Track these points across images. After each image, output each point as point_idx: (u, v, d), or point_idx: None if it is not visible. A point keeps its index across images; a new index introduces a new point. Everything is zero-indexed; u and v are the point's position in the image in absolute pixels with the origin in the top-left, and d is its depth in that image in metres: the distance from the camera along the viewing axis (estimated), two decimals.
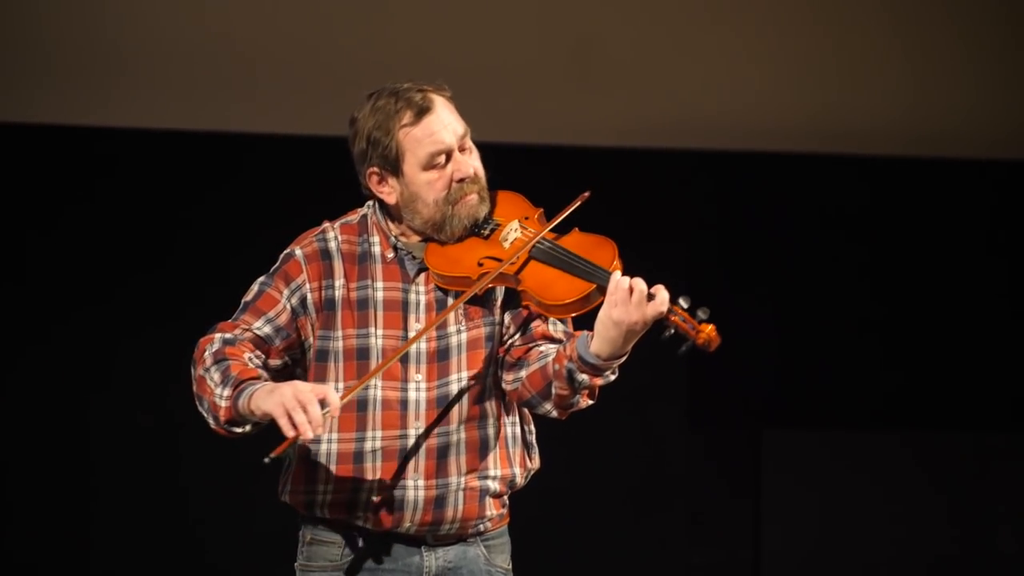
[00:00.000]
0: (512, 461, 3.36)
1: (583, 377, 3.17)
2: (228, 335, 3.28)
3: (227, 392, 3.19)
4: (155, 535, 5.77)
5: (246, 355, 3.26)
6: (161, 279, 5.75)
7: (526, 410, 3.40)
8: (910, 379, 6.32)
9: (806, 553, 6.31)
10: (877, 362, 6.31)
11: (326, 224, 3.38)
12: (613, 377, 3.21)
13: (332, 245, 3.34)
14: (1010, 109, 6.14)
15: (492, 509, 3.35)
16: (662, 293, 3.11)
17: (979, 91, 6.12)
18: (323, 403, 3.10)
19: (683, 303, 3.12)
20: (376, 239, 3.35)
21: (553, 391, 3.23)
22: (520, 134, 5.88)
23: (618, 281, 3.12)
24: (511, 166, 5.96)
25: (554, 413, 3.30)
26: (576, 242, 3.27)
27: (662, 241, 6.13)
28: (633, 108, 5.97)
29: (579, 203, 3.34)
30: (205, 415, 3.24)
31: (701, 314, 3.12)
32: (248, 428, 3.22)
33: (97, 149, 5.77)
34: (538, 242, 3.26)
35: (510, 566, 3.42)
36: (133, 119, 5.72)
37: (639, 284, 3.11)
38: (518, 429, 3.38)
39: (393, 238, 3.34)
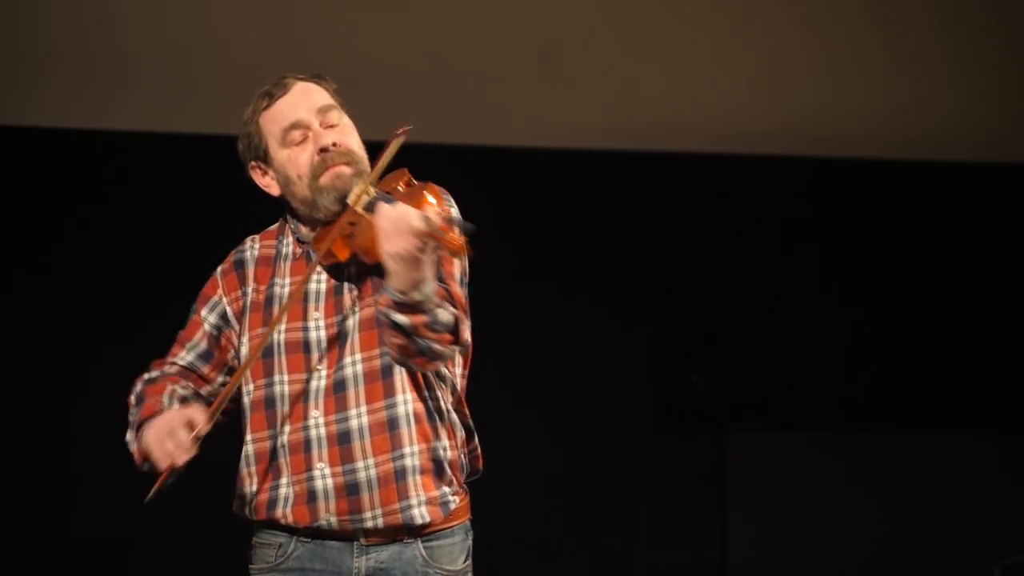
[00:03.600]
0: (437, 434, 3.28)
1: (400, 317, 3.10)
2: (154, 374, 3.37)
3: (134, 434, 3.28)
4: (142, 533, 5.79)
5: (168, 388, 3.31)
6: (164, 283, 5.75)
7: (450, 382, 3.34)
8: (880, 380, 6.35)
9: (773, 555, 6.32)
10: (846, 363, 6.33)
11: (249, 237, 3.43)
12: (443, 314, 3.14)
13: (248, 255, 3.39)
14: (997, 112, 6.15)
15: (420, 492, 3.26)
16: (412, 215, 3.05)
17: (967, 94, 6.14)
18: (191, 425, 3.13)
19: (439, 221, 3.07)
20: (289, 239, 3.36)
21: (392, 342, 3.17)
22: (488, 136, 5.89)
23: (385, 215, 3.08)
24: (478, 167, 5.98)
25: (419, 368, 3.22)
26: (404, 192, 3.24)
27: (632, 243, 6.14)
28: (603, 110, 5.98)
29: (397, 142, 3.26)
30: None
31: (463, 227, 3.10)
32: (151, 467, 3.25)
33: (98, 153, 5.77)
34: (370, 198, 3.20)
35: (463, 566, 3.35)
36: (136, 122, 5.73)
37: (399, 210, 3.07)
38: (440, 403, 3.30)
39: (298, 234, 3.35)
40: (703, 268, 6.25)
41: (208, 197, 5.75)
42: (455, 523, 3.33)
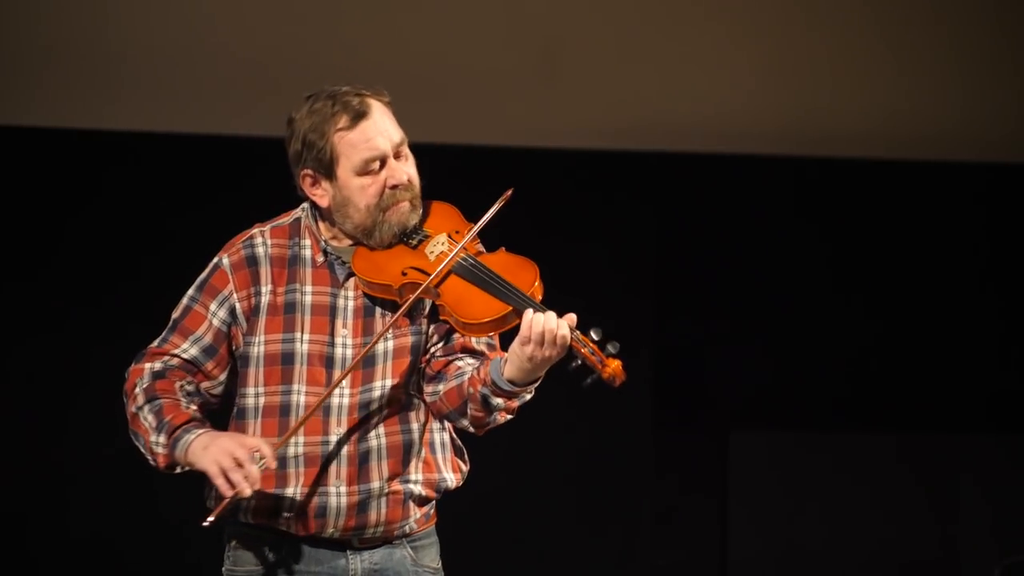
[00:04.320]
0: (441, 466, 3.38)
1: (498, 401, 3.19)
2: (157, 366, 3.31)
3: (163, 440, 3.23)
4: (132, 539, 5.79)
5: (177, 385, 3.29)
6: (164, 282, 5.73)
7: None
8: (880, 380, 6.34)
9: (773, 555, 6.32)
10: (846, 363, 6.33)
11: (255, 229, 3.39)
12: (529, 396, 3.23)
13: (260, 251, 3.35)
14: (998, 112, 6.15)
15: (417, 512, 3.36)
16: (563, 328, 3.11)
17: (968, 94, 6.14)
18: (259, 454, 3.15)
19: (594, 335, 3.13)
20: (307, 242, 3.35)
21: (469, 411, 3.24)
22: (488, 136, 5.89)
23: (531, 320, 3.12)
24: (478, 167, 5.98)
25: (471, 429, 3.31)
26: (499, 262, 3.27)
27: (632, 243, 6.14)
28: (603, 110, 5.98)
29: (501, 204, 3.30)
30: (142, 451, 3.29)
31: (611, 348, 3.12)
32: (186, 468, 3.25)
33: (99, 153, 5.76)
34: (461, 258, 3.25)
35: (439, 564, 3.43)
36: (136, 122, 5.72)
37: (550, 324, 3.11)
38: (446, 435, 3.40)
39: (323, 242, 3.34)
40: (703, 268, 6.24)
41: (208, 197, 5.75)
42: (431, 525, 3.42)
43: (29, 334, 5.74)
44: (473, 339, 3.30)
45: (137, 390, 3.29)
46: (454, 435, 3.42)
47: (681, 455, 6.29)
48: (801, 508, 6.33)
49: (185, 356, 3.31)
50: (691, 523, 6.31)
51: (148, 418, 3.26)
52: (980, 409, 6.38)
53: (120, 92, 5.70)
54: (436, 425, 3.36)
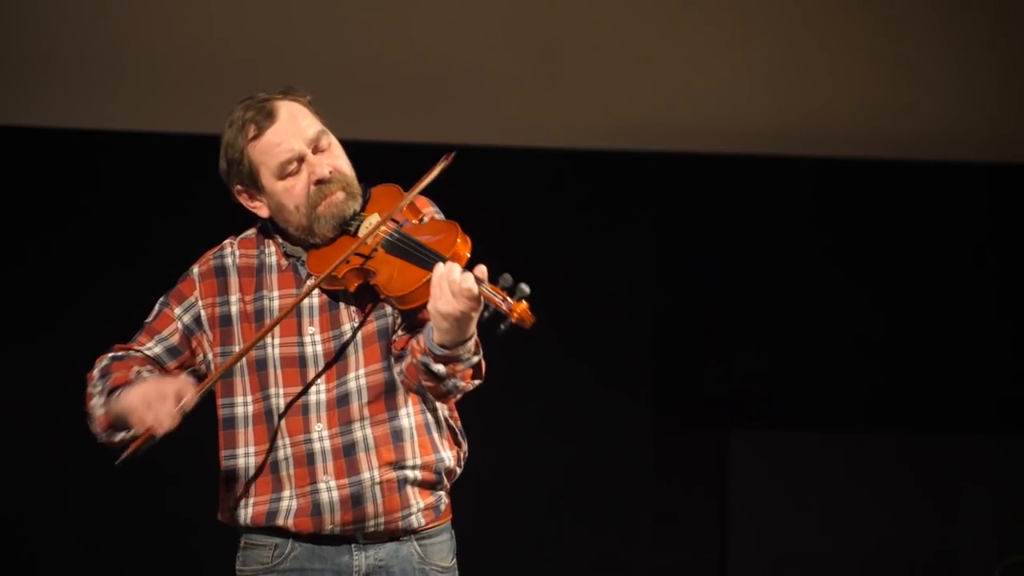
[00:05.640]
0: (438, 446, 3.36)
1: (439, 367, 3.16)
2: (119, 354, 3.36)
3: (102, 400, 3.26)
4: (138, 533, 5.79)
5: (135, 368, 3.31)
6: (163, 282, 5.74)
7: None
8: (880, 380, 6.35)
9: (773, 554, 6.33)
10: (846, 362, 6.33)
11: (227, 241, 3.43)
12: (477, 358, 3.20)
13: (228, 261, 3.39)
14: (997, 112, 6.16)
15: (419, 499, 3.34)
16: (468, 279, 3.07)
17: (968, 94, 6.14)
18: (179, 397, 3.14)
19: (501, 283, 3.08)
20: (272, 249, 3.38)
21: (423, 384, 3.23)
22: (488, 136, 5.89)
23: (438, 274, 3.09)
24: (478, 167, 5.98)
25: (438, 402, 3.31)
26: (424, 230, 3.25)
27: (632, 243, 6.15)
28: (603, 110, 5.98)
29: (426, 182, 3.28)
30: (91, 428, 3.31)
31: (518, 292, 3.06)
32: (126, 434, 3.25)
33: (99, 153, 5.76)
34: (388, 234, 3.23)
35: (452, 564, 3.41)
36: (136, 122, 5.73)
37: (451, 275, 3.08)
38: (440, 414, 3.38)
39: (283, 244, 3.36)
40: (703, 268, 6.25)
41: (206, 196, 5.74)
42: (443, 522, 3.40)
43: (28, 334, 5.75)
44: None
45: (95, 373, 3.34)
46: (448, 415, 3.40)
47: (681, 455, 6.29)
48: (801, 508, 6.34)
49: (149, 353, 3.36)
50: (691, 523, 6.32)
51: (97, 389, 3.30)
52: (980, 409, 6.38)
53: (120, 92, 5.71)
54: (428, 405, 3.35)
